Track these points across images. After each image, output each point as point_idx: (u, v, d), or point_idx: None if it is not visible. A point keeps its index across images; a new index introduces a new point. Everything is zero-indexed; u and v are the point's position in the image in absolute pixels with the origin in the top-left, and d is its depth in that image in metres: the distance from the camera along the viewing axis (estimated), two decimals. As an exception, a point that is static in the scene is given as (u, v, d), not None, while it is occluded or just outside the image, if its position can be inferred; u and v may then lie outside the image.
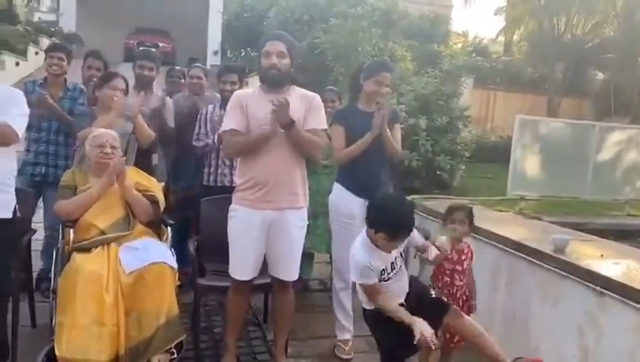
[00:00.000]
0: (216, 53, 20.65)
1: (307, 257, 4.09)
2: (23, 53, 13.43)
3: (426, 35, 12.99)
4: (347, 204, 3.18)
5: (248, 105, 2.80)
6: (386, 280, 2.57)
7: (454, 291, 2.89)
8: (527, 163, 5.27)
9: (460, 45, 16.57)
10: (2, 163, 2.58)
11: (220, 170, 3.84)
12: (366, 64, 3.42)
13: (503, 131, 12.81)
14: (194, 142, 3.88)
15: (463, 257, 2.92)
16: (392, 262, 2.59)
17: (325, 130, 2.93)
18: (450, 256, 2.85)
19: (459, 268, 2.89)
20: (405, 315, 2.46)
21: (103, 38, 16.00)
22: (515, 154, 5.27)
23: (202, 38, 21.04)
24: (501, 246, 3.35)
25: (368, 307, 2.63)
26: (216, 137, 3.70)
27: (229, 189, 3.42)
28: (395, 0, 9.10)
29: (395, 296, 2.60)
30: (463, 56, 10.42)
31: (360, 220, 3.19)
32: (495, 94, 14.90)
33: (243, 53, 13.23)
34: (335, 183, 3.30)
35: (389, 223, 2.45)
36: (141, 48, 18.02)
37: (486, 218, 3.87)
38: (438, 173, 5.11)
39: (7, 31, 13.26)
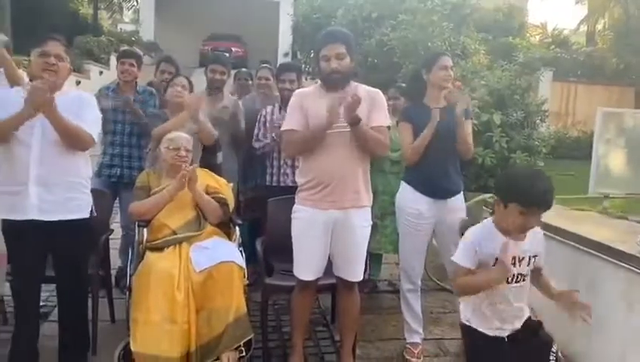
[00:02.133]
0: (286, 55, 20.93)
1: (375, 258, 4.04)
2: (106, 63, 14.22)
3: (500, 28, 12.51)
4: (414, 203, 3.09)
5: (308, 104, 2.78)
6: None
7: None
8: (612, 159, 4.91)
9: (537, 37, 15.87)
10: (79, 165, 2.71)
11: (282, 170, 3.85)
12: (422, 59, 3.31)
13: (585, 126, 12.11)
14: (254, 143, 3.91)
15: None
16: (516, 258, 2.16)
17: (389, 127, 2.86)
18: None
19: None
20: (484, 275, 2.13)
21: (179, 45, 16.64)
22: (597, 150, 4.93)
23: (273, 41, 21.44)
24: (581, 247, 3.13)
25: (466, 322, 2.31)
26: (275, 136, 3.72)
27: (291, 189, 3.43)
28: (466, -8, 8.83)
29: (495, 313, 2.22)
30: (541, 48, 9.94)
31: (427, 219, 3.11)
32: (576, 87, 14.10)
33: (312, 54, 13.29)
34: (402, 182, 3.22)
35: (522, 190, 2.06)
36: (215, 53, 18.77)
37: (566, 217, 3.64)
38: (514, 171, 4.90)
39: (92, 42, 14.10)
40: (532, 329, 2.28)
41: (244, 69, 5.09)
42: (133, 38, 16.93)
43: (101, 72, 13.18)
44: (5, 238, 2.71)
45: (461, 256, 2.19)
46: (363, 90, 2.78)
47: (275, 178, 3.87)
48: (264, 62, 6.38)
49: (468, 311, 2.29)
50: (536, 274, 2.29)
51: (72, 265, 2.75)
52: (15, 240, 2.65)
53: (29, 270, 2.68)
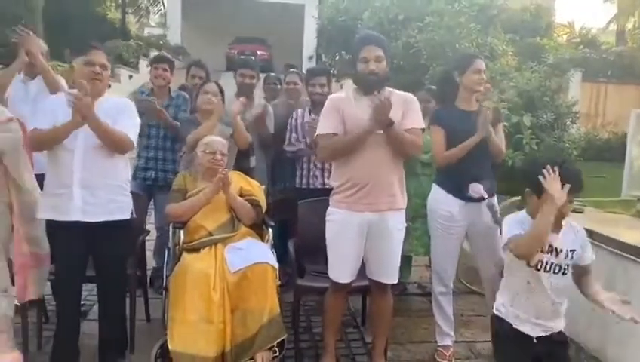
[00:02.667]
0: (311, 58, 21.03)
1: (405, 260, 4.04)
2: (135, 67, 14.49)
3: (527, 29, 12.36)
4: (446, 206, 3.10)
5: (344, 108, 2.81)
6: (536, 268, 2.20)
7: None
8: (646, 160, 4.83)
9: (564, 37, 15.62)
10: (119, 168, 2.80)
11: (311, 173, 3.89)
12: (454, 61, 3.31)
13: (616, 127, 11.87)
14: (286, 147, 3.96)
15: None
16: (553, 247, 2.18)
17: (422, 129, 2.88)
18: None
19: None
20: (538, 216, 2.09)
21: (206, 48, 16.87)
22: (630, 151, 4.86)
23: (297, 43, 21.56)
24: (617, 251, 3.10)
25: (497, 313, 2.34)
26: (308, 141, 3.77)
27: (321, 191, 3.55)
28: (494, -7, 8.77)
29: (533, 306, 2.24)
30: (569, 48, 9.80)
31: (459, 222, 3.11)
32: (606, 88, 13.83)
33: (337, 57, 13.33)
34: (433, 185, 3.22)
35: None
36: (241, 57, 18.95)
37: (599, 220, 3.60)
38: (544, 172, 4.84)
39: (122, 46, 14.40)
40: (560, 344, 2.30)
41: (272, 74, 5.15)
42: (161, 42, 17.21)
43: (130, 76, 13.44)
44: (49, 238, 2.82)
45: (510, 228, 2.18)
46: (397, 94, 2.80)
47: (304, 180, 3.92)
48: (290, 66, 6.44)
49: (505, 300, 2.31)
50: (581, 275, 2.30)
51: (113, 265, 2.83)
52: (59, 240, 2.75)
53: (71, 269, 2.78)
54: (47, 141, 2.64)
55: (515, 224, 2.19)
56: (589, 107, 12.57)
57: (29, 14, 15.70)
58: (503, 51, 7.93)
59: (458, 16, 7.06)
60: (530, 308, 2.24)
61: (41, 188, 2.83)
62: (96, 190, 2.68)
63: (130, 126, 2.76)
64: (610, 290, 3.14)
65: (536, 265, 2.20)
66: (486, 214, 3.09)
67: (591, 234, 3.21)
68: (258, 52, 19.77)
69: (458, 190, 3.07)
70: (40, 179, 2.85)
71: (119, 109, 2.77)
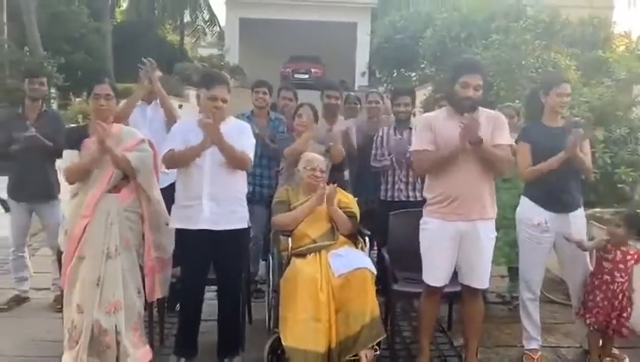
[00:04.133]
0: (363, 74, 21.41)
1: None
2: (200, 87, 15.22)
3: (587, 42, 12.25)
4: (534, 216, 3.29)
5: (437, 126, 3.07)
6: None
7: (615, 287, 3.19)
8: None
9: (622, 47, 15.30)
10: (239, 183, 3.19)
11: (396, 186, 4.16)
12: (542, 79, 3.50)
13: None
14: (372, 163, 4.24)
15: (628, 257, 3.21)
16: None
17: (510, 145, 3.10)
18: (610, 257, 3.20)
19: (621, 266, 3.19)
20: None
21: (261, 67, 17.41)
22: None
23: (350, 60, 21.98)
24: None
25: None
26: (394, 158, 4.05)
27: (404, 204, 3.89)
28: (556, 9, 8.82)
29: None
30: (634, 61, 9.68)
31: (548, 232, 3.29)
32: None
33: (395, 74, 13.61)
34: (522, 196, 3.42)
35: None
36: (295, 75, 19.38)
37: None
38: (618, 186, 4.92)
39: (191, 68, 15.21)
40: None
41: (352, 94, 5.47)
42: (222, 63, 18.00)
43: (198, 96, 14.11)
44: (178, 245, 3.19)
45: None
46: (486, 113, 3.04)
47: (389, 193, 4.19)
48: (344, 83, 6.73)
49: None
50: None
51: (233, 269, 3.19)
52: (187, 246, 3.12)
53: (197, 271, 3.14)
54: (182, 159, 3.02)
55: None
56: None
57: (99, 39, 16.75)
58: (566, 66, 7.99)
59: (524, 34, 7.20)
60: None
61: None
62: (222, 202, 3.05)
63: (248, 146, 3.13)
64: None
65: None
66: (574, 225, 3.27)
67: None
68: (312, 70, 20.28)
69: (547, 201, 3.26)
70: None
71: (239, 130, 3.15)
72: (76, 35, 15.18)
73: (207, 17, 24.65)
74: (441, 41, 8.73)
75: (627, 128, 5.11)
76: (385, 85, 14.54)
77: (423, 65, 11.08)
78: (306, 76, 19.77)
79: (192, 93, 13.14)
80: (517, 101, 5.50)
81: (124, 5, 24.44)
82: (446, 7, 10.27)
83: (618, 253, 3.20)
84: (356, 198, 4.47)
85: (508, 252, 3.95)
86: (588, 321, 3.28)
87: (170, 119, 3.80)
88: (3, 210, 4.10)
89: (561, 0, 15.08)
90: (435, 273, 3.12)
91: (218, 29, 25.16)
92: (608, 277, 3.21)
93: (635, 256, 3.22)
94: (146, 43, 18.90)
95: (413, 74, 12.35)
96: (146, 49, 18.61)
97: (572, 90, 6.09)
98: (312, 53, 21.08)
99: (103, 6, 17.51)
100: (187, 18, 24.15)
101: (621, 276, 3.19)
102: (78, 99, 12.18)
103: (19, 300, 4.13)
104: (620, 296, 3.19)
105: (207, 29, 25.69)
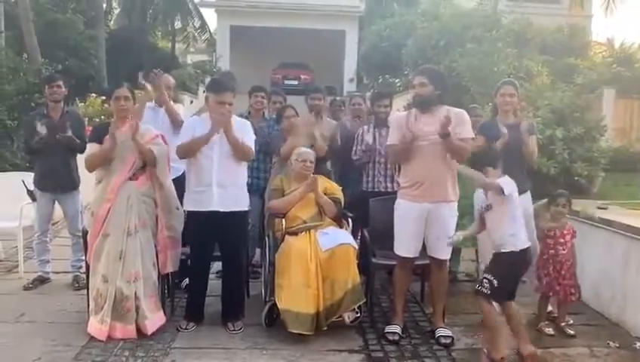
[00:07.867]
0: (351, 80, 21.97)
1: (455, 253, 4.79)
2: (195, 92, 15.76)
3: (563, 48, 12.94)
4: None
5: (408, 124, 3.64)
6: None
7: (559, 258, 3.80)
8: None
9: (600, 55, 16.05)
10: (243, 171, 3.81)
11: (376, 178, 4.71)
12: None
13: (649, 141, 12.25)
14: (353, 157, 4.81)
15: (565, 231, 3.83)
16: None
17: (473, 138, 3.69)
18: (552, 234, 3.82)
19: (561, 240, 3.81)
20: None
21: (251, 73, 17.86)
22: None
23: (339, 67, 22.54)
24: (631, 235, 3.81)
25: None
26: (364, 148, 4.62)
27: (383, 193, 4.43)
28: (528, 19, 9.46)
29: None
30: (603, 68, 10.36)
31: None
32: (640, 104, 14.21)
33: (380, 80, 14.22)
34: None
35: None
36: (285, 82, 19.80)
37: (620, 214, 4.31)
38: (576, 178, 5.50)
39: (184, 74, 15.71)
40: None
41: (338, 98, 6.05)
42: (214, 70, 18.48)
43: (192, 101, 14.62)
44: (188, 226, 3.74)
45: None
46: (452, 111, 3.62)
47: (370, 184, 4.74)
48: (331, 88, 7.30)
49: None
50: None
51: (236, 245, 3.74)
52: (197, 226, 3.67)
53: (204, 247, 3.70)
54: (192, 148, 3.57)
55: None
56: (624, 122, 13.01)
57: (93, 44, 17.11)
58: (538, 72, 8.63)
59: (495, 42, 7.81)
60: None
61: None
62: (227, 188, 3.63)
63: (249, 140, 3.71)
64: (627, 268, 3.87)
65: None
66: (521, 206, 3.85)
67: (611, 223, 3.96)
68: (302, 76, 20.73)
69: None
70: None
71: (241, 127, 3.72)
72: (71, 42, 15.54)
73: (197, 24, 25.09)
74: (422, 49, 9.33)
75: (583, 128, 5.70)
76: (372, 91, 15.14)
77: (406, 72, 11.69)
78: (296, 82, 20.24)
79: (186, 97, 13.63)
80: (489, 104, 6.10)
81: (116, 12, 24.81)
82: (427, 17, 10.89)
83: (557, 231, 3.84)
84: (344, 191, 5.09)
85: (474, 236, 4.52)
86: (543, 290, 3.87)
87: (175, 123, 4.32)
88: (30, 200, 4.63)
89: (538, 9, 15.90)
90: (404, 245, 3.69)
91: (208, 35, 25.61)
92: (553, 251, 3.82)
93: (571, 231, 3.83)
94: (137, 49, 19.37)
95: (397, 80, 12.95)
96: (138, 55, 19.11)
97: (538, 93, 6.77)
98: (302, 60, 21.52)
99: (97, 14, 17.92)
100: (178, 25, 24.58)
101: (563, 249, 3.80)
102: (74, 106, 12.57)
103: (42, 280, 4.64)
104: (565, 266, 3.80)
105: (197, 36, 26.13)
